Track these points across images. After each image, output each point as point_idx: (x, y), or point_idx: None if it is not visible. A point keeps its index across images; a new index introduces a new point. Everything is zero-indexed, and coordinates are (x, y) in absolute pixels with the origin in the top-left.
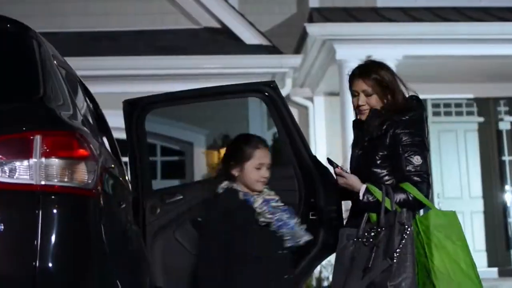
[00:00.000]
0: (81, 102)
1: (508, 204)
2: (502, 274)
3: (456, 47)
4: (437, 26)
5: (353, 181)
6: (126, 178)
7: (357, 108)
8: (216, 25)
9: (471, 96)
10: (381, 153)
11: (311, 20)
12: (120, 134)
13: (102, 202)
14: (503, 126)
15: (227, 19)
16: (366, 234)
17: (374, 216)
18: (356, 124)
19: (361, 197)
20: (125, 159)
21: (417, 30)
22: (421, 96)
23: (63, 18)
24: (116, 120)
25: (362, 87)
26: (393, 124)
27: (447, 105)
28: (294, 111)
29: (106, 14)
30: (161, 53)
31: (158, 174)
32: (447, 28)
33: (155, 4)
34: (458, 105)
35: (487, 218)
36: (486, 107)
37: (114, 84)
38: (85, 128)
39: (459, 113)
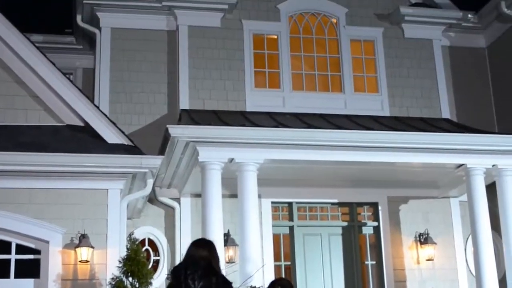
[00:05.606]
0: None
1: None
2: None
3: (318, 152)
4: (298, 132)
5: None
6: None
7: None
8: (79, 123)
9: (335, 200)
10: None
11: (180, 121)
12: None
13: None
14: (366, 230)
15: (89, 117)
16: None
17: None
18: None
19: None
20: None
21: (278, 135)
22: (286, 200)
23: None
24: None
25: None
26: None
27: (312, 209)
28: (161, 212)
29: None
30: (22, 149)
31: (11, 273)
32: (307, 134)
33: (18, 99)
34: (323, 209)
35: None
36: (350, 212)
37: None
38: None
39: (323, 217)
